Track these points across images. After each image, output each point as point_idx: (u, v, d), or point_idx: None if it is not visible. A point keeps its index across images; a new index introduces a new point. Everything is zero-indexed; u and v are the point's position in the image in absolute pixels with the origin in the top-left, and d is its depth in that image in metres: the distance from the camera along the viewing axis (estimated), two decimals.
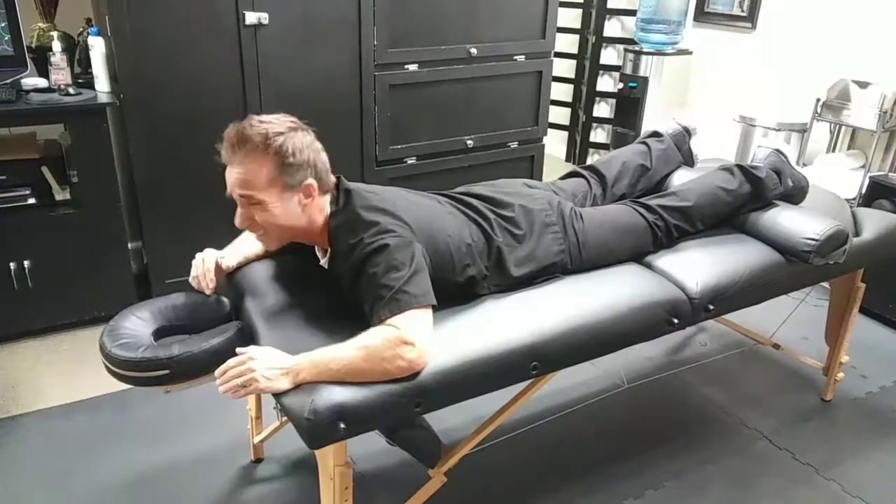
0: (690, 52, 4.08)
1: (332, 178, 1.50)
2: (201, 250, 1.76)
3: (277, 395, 1.32)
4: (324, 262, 1.55)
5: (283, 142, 1.39)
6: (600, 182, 2.04)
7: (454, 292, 1.55)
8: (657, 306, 1.67)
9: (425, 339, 1.35)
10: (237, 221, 1.45)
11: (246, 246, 1.72)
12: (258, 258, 1.72)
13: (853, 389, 2.47)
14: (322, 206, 1.49)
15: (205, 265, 1.63)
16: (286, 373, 1.29)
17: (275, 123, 1.41)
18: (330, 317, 1.49)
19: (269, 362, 1.30)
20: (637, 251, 1.86)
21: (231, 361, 1.32)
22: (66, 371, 2.44)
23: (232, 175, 1.41)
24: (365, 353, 1.30)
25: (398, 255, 1.39)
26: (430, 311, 1.39)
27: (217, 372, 1.32)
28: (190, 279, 1.63)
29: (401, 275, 1.36)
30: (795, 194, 2.04)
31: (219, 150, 1.42)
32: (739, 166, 1.99)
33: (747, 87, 3.84)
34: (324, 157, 1.48)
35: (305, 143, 1.43)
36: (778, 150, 2.06)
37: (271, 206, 1.41)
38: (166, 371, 1.38)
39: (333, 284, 1.54)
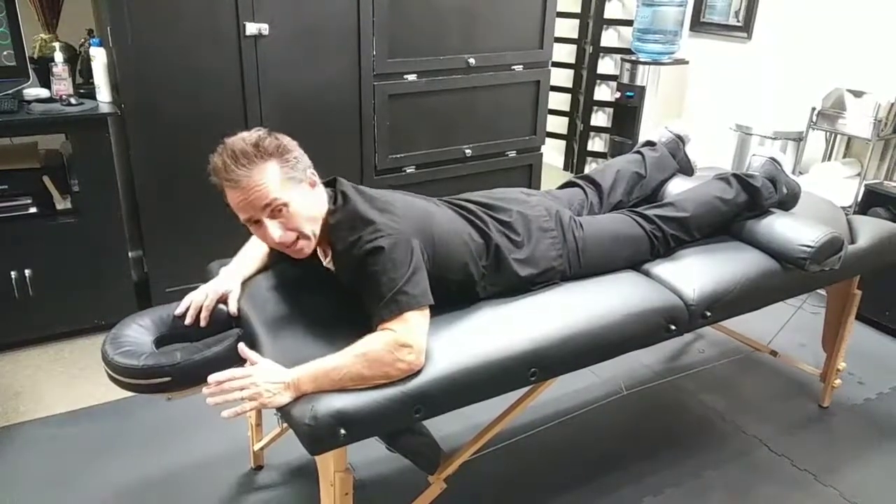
0: (687, 62, 4.11)
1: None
2: (202, 259, 1.77)
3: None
4: (327, 262, 1.55)
5: (275, 142, 1.41)
6: (596, 191, 2.05)
7: (452, 292, 1.56)
8: (655, 313, 1.68)
9: (423, 340, 1.37)
10: (275, 238, 1.40)
11: (242, 272, 1.68)
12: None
13: (851, 396, 2.48)
14: (323, 200, 1.50)
15: (207, 299, 1.58)
16: (287, 387, 1.30)
17: (253, 133, 1.42)
18: (330, 323, 1.50)
19: (269, 377, 1.31)
20: (634, 260, 1.87)
21: (229, 373, 1.32)
22: (67, 379, 2.45)
23: (245, 195, 1.37)
24: (365, 359, 1.31)
25: (397, 252, 1.40)
26: (427, 312, 1.41)
27: (211, 378, 1.31)
28: (180, 310, 1.56)
29: (400, 273, 1.38)
30: (788, 200, 2.07)
31: (215, 183, 1.40)
32: (736, 176, 2.01)
33: (743, 97, 3.87)
34: (302, 150, 1.50)
35: (289, 140, 1.46)
36: (773, 159, 2.08)
37: (295, 204, 1.41)
38: (168, 378, 1.39)
39: (332, 288, 1.55)
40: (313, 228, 1.46)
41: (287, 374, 1.31)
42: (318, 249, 1.59)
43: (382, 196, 1.53)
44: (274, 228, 1.41)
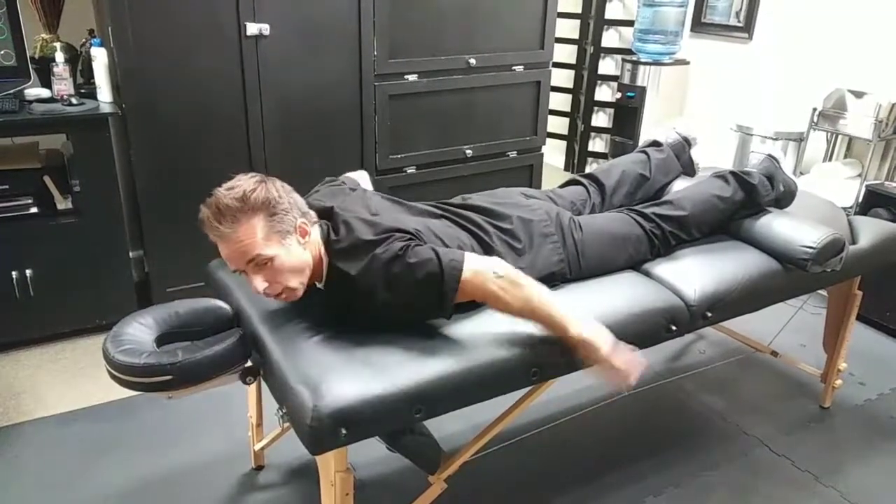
0: (688, 62, 4.11)
1: (312, 211, 1.51)
2: (203, 258, 1.77)
3: (282, 401, 1.33)
4: (320, 285, 1.55)
5: (263, 196, 1.39)
6: (599, 190, 2.05)
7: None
8: (656, 313, 1.68)
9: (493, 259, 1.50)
10: (259, 290, 1.42)
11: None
12: None
13: (851, 397, 2.48)
14: (316, 240, 1.49)
15: None
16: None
17: (244, 182, 1.40)
18: (332, 319, 1.51)
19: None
20: (635, 259, 1.87)
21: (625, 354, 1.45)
22: (67, 379, 2.45)
23: (230, 249, 1.39)
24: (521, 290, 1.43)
25: (415, 243, 1.44)
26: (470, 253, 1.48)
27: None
28: None
29: (431, 256, 1.42)
30: (785, 198, 2.07)
31: (205, 231, 1.40)
32: (733, 173, 2.01)
33: (744, 97, 3.87)
34: (296, 194, 1.49)
35: (280, 188, 1.44)
36: (771, 156, 2.09)
37: (280, 258, 1.40)
38: (169, 377, 1.39)
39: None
40: (301, 279, 1.46)
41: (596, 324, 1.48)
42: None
43: (381, 220, 1.52)
44: (258, 282, 1.41)
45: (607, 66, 4.64)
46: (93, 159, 2.51)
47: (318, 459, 1.43)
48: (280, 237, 1.40)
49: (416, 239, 1.47)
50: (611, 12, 4.52)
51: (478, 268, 1.42)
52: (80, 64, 2.71)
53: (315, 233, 1.50)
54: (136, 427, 2.22)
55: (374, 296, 1.44)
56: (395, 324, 1.47)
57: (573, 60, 4.76)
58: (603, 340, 1.44)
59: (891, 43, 3.15)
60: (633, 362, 1.46)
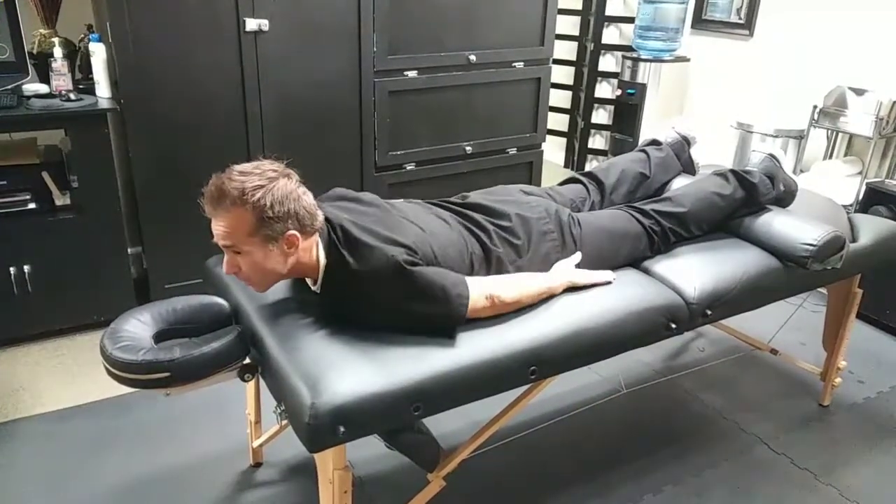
0: (688, 60, 4.11)
1: (320, 216, 1.47)
2: (201, 255, 1.76)
3: (280, 399, 1.33)
4: (315, 288, 1.54)
5: (261, 196, 1.37)
6: (599, 189, 2.05)
7: None
8: (655, 311, 1.68)
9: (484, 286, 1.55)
10: (224, 269, 1.46)
11: None
12: None
13: (851, 395, 2.48)
14: (309, 247, 1.47)
15: None
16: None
17: (254, 175, 1.39)
18: (329, 317, 1.50)
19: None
20: (634, 256, 1.87)
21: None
22: (65, 376, 2.44)
23: (215, 227, 1.41)
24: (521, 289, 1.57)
25: (419, 263, 1.44)
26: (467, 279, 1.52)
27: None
28: None
29: (439, 288, 1.44)
30: (785, 198, 2.07)
31: (202, 202, 1.42)
32: (733, 171, 2.01)
33: (745, 94, 3.86)
34: (307, 200, 1.44)
35: (285, 194, 1.40)
36: (772, 155, 2.08)
37: (255, 258, 1.41)
38: (167, 374, 1.38)
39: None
40: (266, 282, 1.49)
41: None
42: (307, 280, 1.58)
43: (378, 228, 1.51)
44: (227, 262, 1.45)
45: (607, 62, 4.62)
46: (91, 155, 2.50)
47: (317, 457, 1.43)
48: (264, 240, 1.40)
49: (417, 257, 1.47)
50: (611, 9, 4.51)
51: (476, 301, 1.49)
52: (78, 59, 2.70)
53: (309, 242, 1.47)
54: (133, 424, 2.22)
55: (374, 303, 1.45)
56: (390, 325, 1.47)
57: (573, 57, 4.75)
58: (580, 279, 1.69)
59: (891, 40, 3.15)
60: (602, 278, 1.73)
